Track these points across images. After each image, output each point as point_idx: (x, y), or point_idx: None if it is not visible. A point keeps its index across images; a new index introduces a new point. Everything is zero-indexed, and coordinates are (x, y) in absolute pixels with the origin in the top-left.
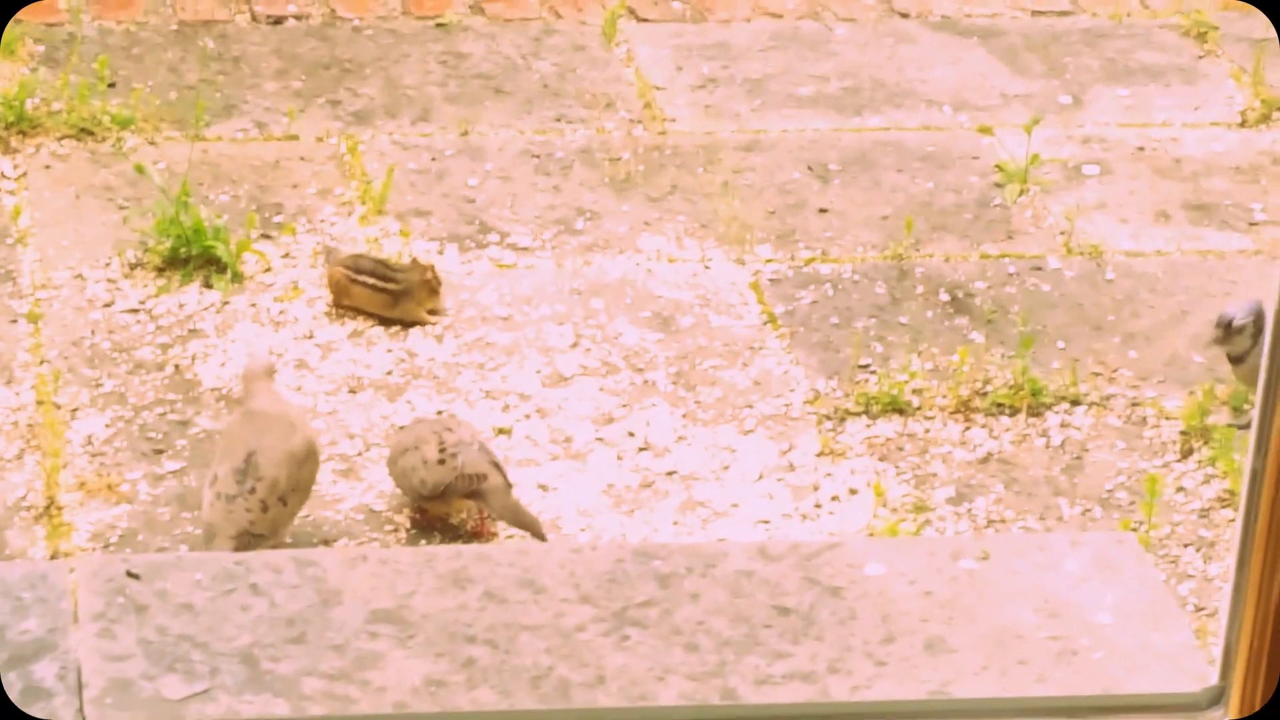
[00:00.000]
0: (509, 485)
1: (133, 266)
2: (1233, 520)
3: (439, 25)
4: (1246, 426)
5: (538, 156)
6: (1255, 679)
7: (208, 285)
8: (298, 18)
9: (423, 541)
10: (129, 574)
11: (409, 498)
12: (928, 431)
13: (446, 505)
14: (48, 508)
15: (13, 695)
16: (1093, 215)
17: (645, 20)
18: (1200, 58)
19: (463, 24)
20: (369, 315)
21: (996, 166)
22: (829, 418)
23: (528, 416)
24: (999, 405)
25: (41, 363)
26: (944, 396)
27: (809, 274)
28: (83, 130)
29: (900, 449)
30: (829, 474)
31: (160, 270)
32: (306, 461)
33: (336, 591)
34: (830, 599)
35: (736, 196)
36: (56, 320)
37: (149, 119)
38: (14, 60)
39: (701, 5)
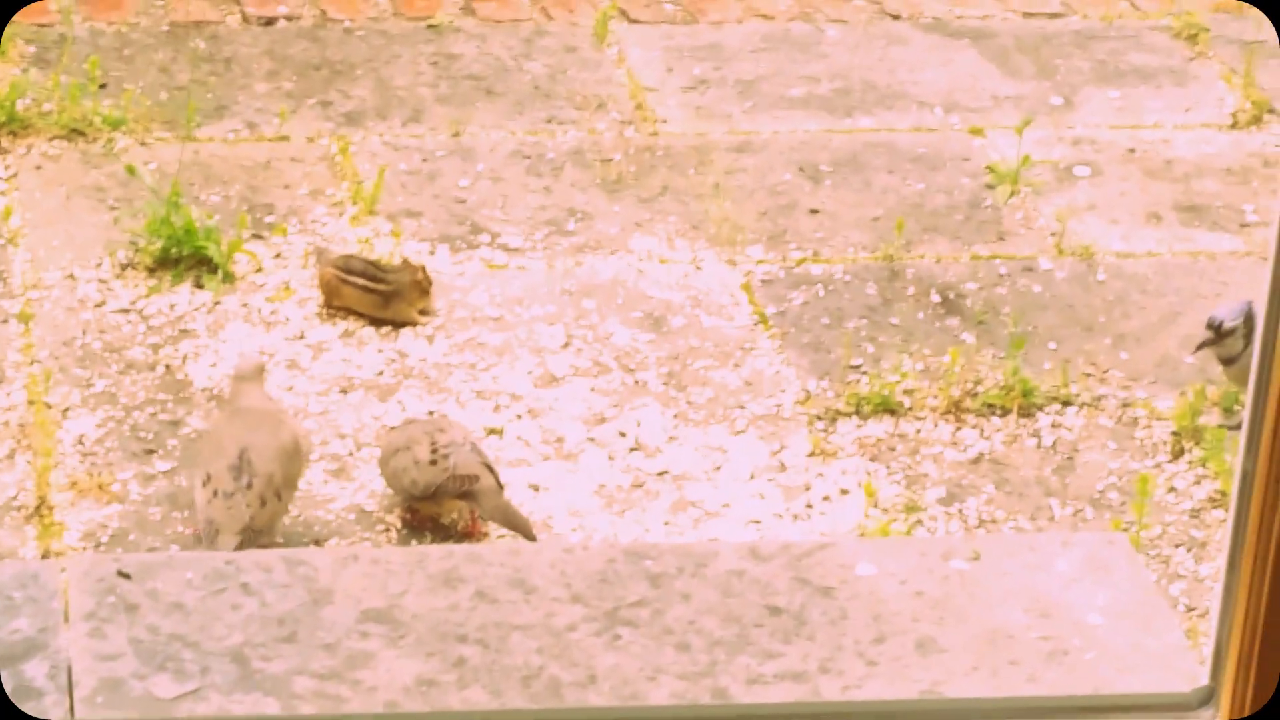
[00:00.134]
0: (500, 486)
1: (124, 267)
2: (1224, 521)
3: (430, 26)
4: (1237, 427)
5: (529, 157)
6: (1246, 679)
7: (199, 285)
8: (289, 19)
9: (414, 541)
10: (120, 573)
11: (400, 498)
12: (919, 432)
13: (438, 506)
14: (39, 507)
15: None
16: (1084, 216)
17: (636, 21)
18: (1191, 59)
19: (454, 25)
20: (360, 316)
21: (988, 168)
22: (820, 418)
23: (519, 417)
24: (990, 406)
25: (33, 363)
26: (935, 397)
27: (800, 275)
28: (74, 131)
29: (891, 449)
30: (820, 474)
31: (151, 270)
32: (295, 456)
33: (328, 591)
34: (821, 599)
35: (728, 197)
36: (48, 320)
37: (140, 120)
38: (5, 61)
39: (693, 7)
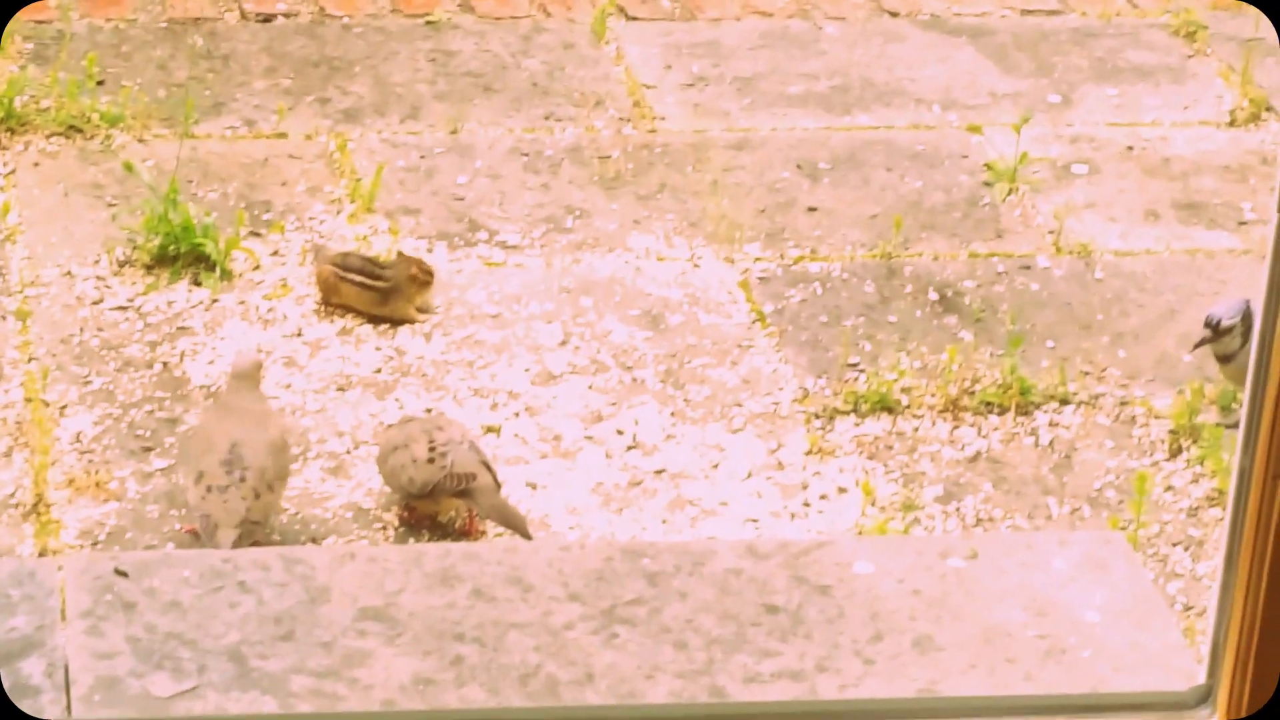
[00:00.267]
0: (498, 485)
1: (121, 264)
2: (1221, 519)
3: (428, 23)
4: (1235, 425)
5: (527, 155)
6: (1243, 678)
7: (196, 283)
8: (287, 15)
9: (411, 540)
10: (117, 571)
11: (398, 496)
12: (916, 430)
13: (435, 504)
14: (36, 505)
15: None
16: (1082, 214)
17: (635, 19)
18: (1189, 57)
19: (452, 22)
20: (358, 313)
21: (985, 165)
22: (818, 416)
23: (516, 415)
24: (988, 404)
25: (30, 360)
26: (933, 395)
27: (798, 272)
28: (71, 128)
29: (889, 447)
30: (818, 472)
31: (149, 268)
32: (284, 450)
33: (325, 589)
34: (819, 597)
35: (726, 195)
36: (45, 317)
37: (138, 116)
38: (3, 58)
39: (691, 4)
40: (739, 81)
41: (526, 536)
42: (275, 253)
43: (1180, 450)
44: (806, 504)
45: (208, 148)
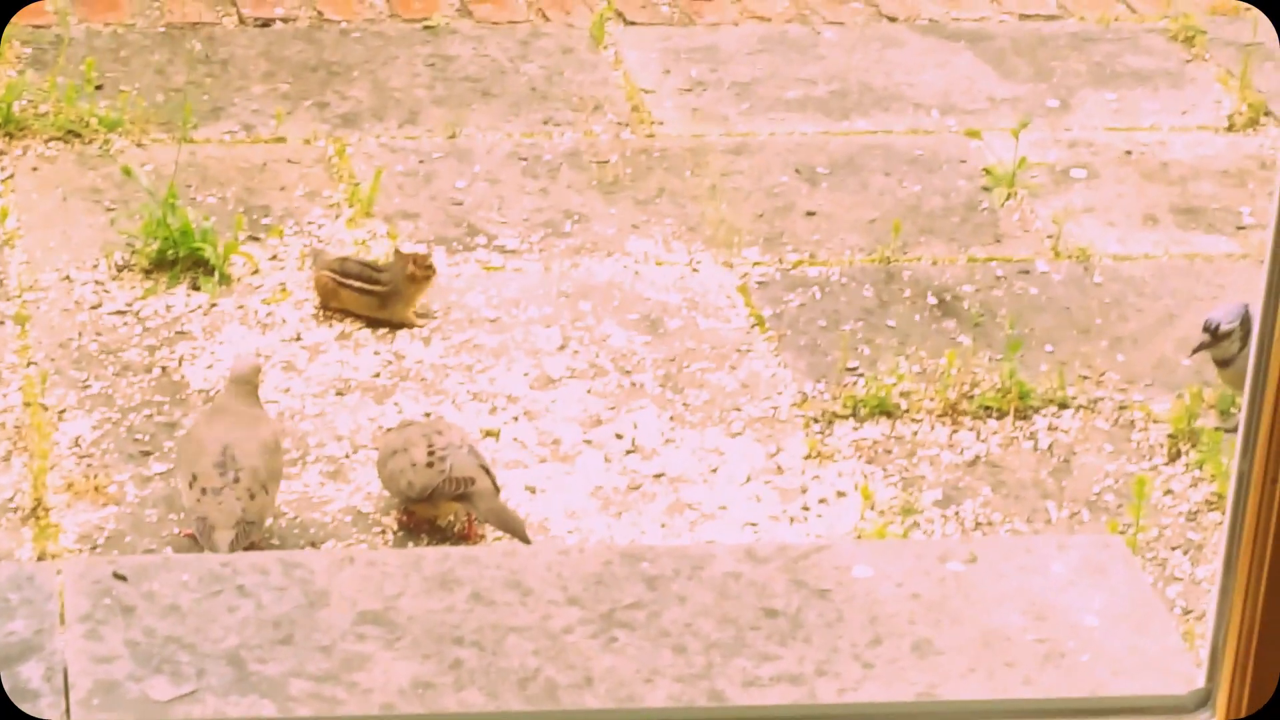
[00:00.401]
0: (497, 489)
1: (120, 268)
2: (1220, 523)
3: (426, 28)
4: (1234, 430)
5: (525, 159)
6: (1242, 682)
7: (195, 287)
8: (285, 20)
9: (410, 544)
10: (116, 575)
11: (397, 500)
12: (915, 434)
13: (434, 508)
14: (35, 509)
15: None
16: (1080, 219)
17: (633, 23)
18: (1188, 62)
19: (450, 27)
20: (357, 317)
21: (984, 170)
22: (817, 420)
23: (515, 419)
24: (986, 408)
25: (29, 364)
26: (931, 399)
27: (797, 276)
28: (70, 132)
29: (888, 451)
30: (817, 476)
31: (148, 272)
32: (277, 451)
33: (324, 593)
34: (818, 601)
35: (724, 199)
36: (44, 322)
37: (136, 121)
38: (1, 62)
39: (689, 8)
40: (737, 86)
41: (526, 540)
42: (274, 257)
43: (1179, 454)
44: (805, 508)
45: (206, 152)
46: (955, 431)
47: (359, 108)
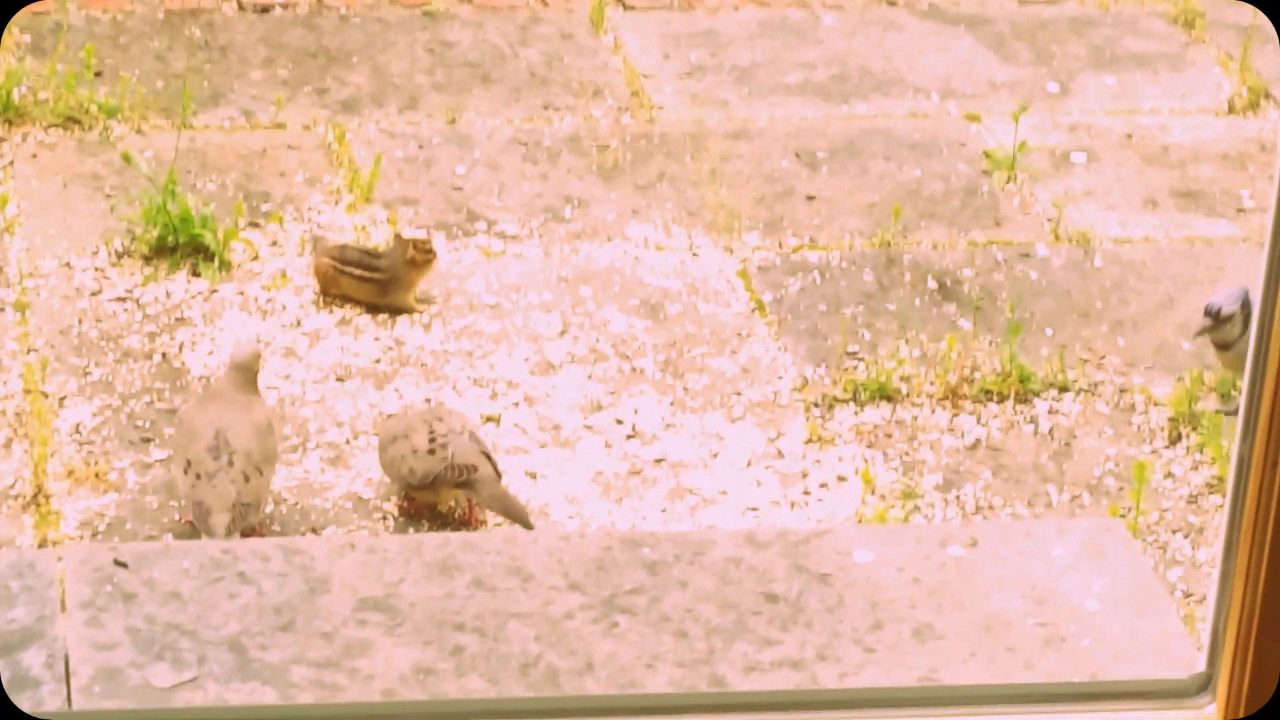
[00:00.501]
0: (498, 475)
1: (120, 255)
2: (1220, 506)
3: (426, 13)
4: (1234, 413)
5: (525, 144)
6: (1243, 665)
7: (195, 274)
8: (284, 6)
9: (411, 530)
10: (117, 562)
11: (398, 486)
12: (916, 418)
13: (435, 494)
14: (35, 496)
15: None
16: (1080, 202)
17: (632, 8)
18: (1188, 45)
19: (450, 12)
20: (357, 303)
21: (984, 154)
22: (817, 405)
23: (516, 404)
24: (987, 392)
25: (29, 351)
26: (932, 383)
27: (797, 261)
28: (69, 119)
29: (888, 436)
30: (817, 461)
31: (147, 259)
32: (270, 434)
33: (325, 579)
34: (819, 586)
35: (724, 184)
36: (44, 309)
37: (136, 108)
38: (1, 50)
39: None
40: (737, 71)
41: (527, 526)
42: (274, 243)
43: (1180, 438)
44: (806, 492)
45: (206, 138)
46: (956, 415)
47: (359, 93)
